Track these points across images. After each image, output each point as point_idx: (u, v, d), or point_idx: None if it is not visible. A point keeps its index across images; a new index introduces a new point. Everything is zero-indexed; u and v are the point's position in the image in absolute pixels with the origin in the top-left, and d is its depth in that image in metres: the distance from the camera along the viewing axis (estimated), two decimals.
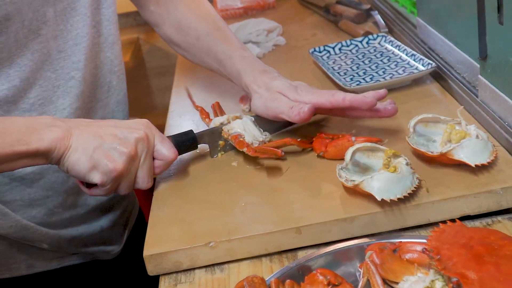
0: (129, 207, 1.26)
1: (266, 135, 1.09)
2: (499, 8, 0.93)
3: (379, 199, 0.85)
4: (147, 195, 1.11)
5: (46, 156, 0.87)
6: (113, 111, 1.15)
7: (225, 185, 1.01)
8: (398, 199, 0.86)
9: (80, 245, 1.12)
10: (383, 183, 0.86)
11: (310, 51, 1.41)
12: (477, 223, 0.88)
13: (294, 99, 1.02)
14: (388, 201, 0.85)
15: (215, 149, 1.09)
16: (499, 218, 0.88)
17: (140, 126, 0.93)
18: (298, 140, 1.02)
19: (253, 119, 1.09)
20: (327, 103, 1.02)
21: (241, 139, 1.04)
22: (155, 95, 2.43)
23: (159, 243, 0.90)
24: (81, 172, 0.88)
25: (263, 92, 1.06)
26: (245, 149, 1.01)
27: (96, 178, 0.89)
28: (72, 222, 1.10)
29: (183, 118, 1.30)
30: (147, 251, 0.89)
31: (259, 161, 1.05)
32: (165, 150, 0.95)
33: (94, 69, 1.09)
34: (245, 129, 1.07)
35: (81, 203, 1.11)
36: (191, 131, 1.04)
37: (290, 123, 1.11)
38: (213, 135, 1.08)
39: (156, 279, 0.90)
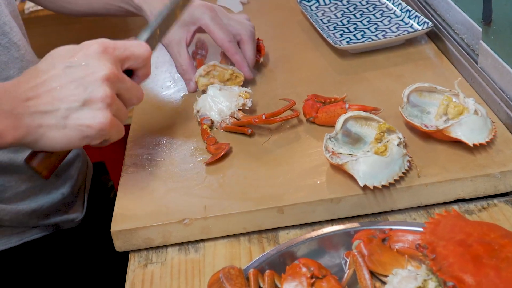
0: (82, 168, 1.15)
1: (231, 68, 1.04)
2: None
3: (361, 185, 0.79)
4: (114, 158, 1.02)
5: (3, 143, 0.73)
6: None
7: (202, 153, 0.94)
8: (383, 185, 0.79)
9: (42, 217, 1.03)
10: (368, 166, 0.79)
11: (298, 0, 1.31)
12: (471, 205, 0.82)
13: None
14: (371, 188, 0.79)
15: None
16: (495, 201, 0.82)
17: (94, 59, 0.75)
18: (264, 118, 0.93)
19: (219, 87, 1.00)
20: (219, 42, 1.04)
21: (205, 126, 0.97)
22: (132, 34, 2.32)
23: (129, 218, 0.83)
24: (72, 146, 0.75)
25: None
26: (205, 142, 0.95)
27: (94, 141, 0.75)
28: (29, 194, 1.01)
29: (159, 70, 1.21)
30: (115, 226, 0.82)
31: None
32: (136, 53, 0.79)
33: None
34: (212, 105, 0.98)
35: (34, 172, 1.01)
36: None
37: None
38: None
39: None
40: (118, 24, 2.22)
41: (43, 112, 0.73)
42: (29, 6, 2.17)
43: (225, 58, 1.09)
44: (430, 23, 1.12)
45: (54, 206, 1.04)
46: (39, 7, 2.11)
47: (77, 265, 1.12)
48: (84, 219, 1.11)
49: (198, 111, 1.00)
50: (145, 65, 0.81)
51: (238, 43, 1.07)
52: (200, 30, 1.07)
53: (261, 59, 1.12)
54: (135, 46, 0.80)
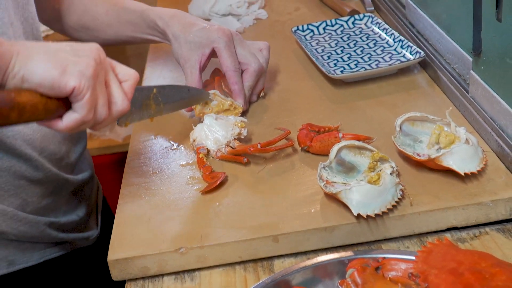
0: (94, 188, 1.21)
1: (230, 99, 1.07)
2: (498, 4, 0.86)
3: (355, 213, 0.80)
4: (113, 185, 1.05)
5: None
6: None
7: (198, 182, 0.95)
8: (376, 214, 0.80)
9: (60, 230, 1.06)
10: (362, 195, 0.81)
11: (293, 29, 1.33)
12: (464, 234, 0.83)
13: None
14: (365, 216, 0.80)
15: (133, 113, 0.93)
16: (487, 229, 0.84)
17: (90, 46, 0.80)
18: (259, 147, 0.95)
19: (215, 116, 1.02)
20: (224, 69, 1.08)
21: (201, 155, 0.98)
22: (130, 61, 2.34)
23: (125, 247, 0.84)
24: (50, 76, 0.72)
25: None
26: (201, 170, 0.96)
27: (71, 80, 0.73)
28: (48, 210, 1.05)
29: None
30: (112, 255, 0.83)
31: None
32: (127, 68, 0.83)
33: None
34: (208, 134, 1.00)
35: (57, 189, 1.05)
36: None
37: None
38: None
39: None
40: (118, 50, 2.24)
41: (35, 45, 0.75)
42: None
43: (218, 83, 1.11)
44: (422, 52, 1.14)
45: (70, 224, 1.08)
46: (51, 32, 2.15)
47: (94, 283, 1.14)
48: (99, 237, 1.15)
49: (194, 140, 1.01)
50: (133, 84, 0.83)
51: (244, 72, 1.10)
52: (215, 53, 1.10)
53: (262, 93, 1.14)
54: (126, 67, 0.83)
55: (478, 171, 0.85)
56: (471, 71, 0.98)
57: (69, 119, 0.76)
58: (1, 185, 0.97)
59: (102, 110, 0.78)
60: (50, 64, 0.73)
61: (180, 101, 1.00)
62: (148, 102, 0.92)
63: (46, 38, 2.14)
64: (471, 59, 0.99)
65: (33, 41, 0.77)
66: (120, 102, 0.80)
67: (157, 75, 1.32)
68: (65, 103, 0.76)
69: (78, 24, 1.21)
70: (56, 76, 0.73)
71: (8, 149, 0.96)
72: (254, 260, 0.84)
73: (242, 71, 1.10)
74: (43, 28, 2.19)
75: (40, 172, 1.00)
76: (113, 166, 2.25)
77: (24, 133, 0.97)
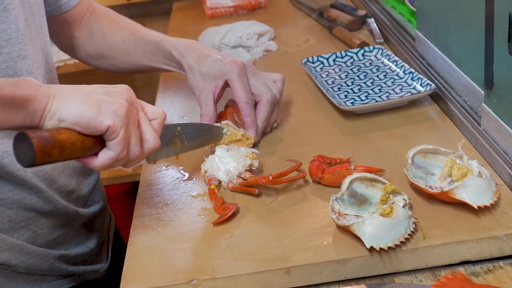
0: (106, 220, 1.21)
1: (243, 130, 1.07)
2: (510, 37, 0.87)
3: (368, 246, 0.80)
4: (123, 214, 1.05)
5: (24, 107, 0.75)
6: None
7: (210, 213, 0.95)
8: (389, 247, 0.80)
9: (70, 263, 1.07)
10: (374, 228, 0.80)
11: (303, 61, 1.34)
12: (477, 268, 0.83)
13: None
14: (378, 249, 0.80)
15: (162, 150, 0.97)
16: (501, 263, 0.83)
17: (121, 88, 0.84)
18: (271, 178, 0.95)
19: (226, 148, 1.03)
20: (237, 100, 1.08)
21: (213, 187, 0.98)
22: (139, 91, 2.35)
23: (138, 278, 0.84)
24: (86, 116, 0.77)
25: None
26: (213, 202, 0.96)
27: (106, 119, 0.77)
28: (59, 242, 1.05)
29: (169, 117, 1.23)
30: (124, 286, 0.83)
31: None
32: (155, 108, 0.88)
33: None
34: (219, 165, 1.00)
35: (67, 222, 1.06)
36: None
37: None
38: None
39: None
40: (127, 81, 2.25)
41: (69, 88, 0.80)
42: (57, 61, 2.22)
43: (231, 114, 1.11)
44: (433, 85, 1.14)
45: (81, 256, 1.09)
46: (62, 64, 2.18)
47: None
48: (108, 270, 1.15)
49: (205, 171, 1.01)
50: (161, 123, 0.87)
51: (258, 104, 1.10)
52: (228, 84, 1.11)
53: (275, 124, 1.15)
54: (154, 107, 0.88)
55: (491, 204, 0.84)
56: (483, 104, 0.99)
57: (104, 156, 0.80)
58: (11, 217, 0.98)
59: (135, 148, 0.82)
60: (86, 104, 0.77)
61: (202, 137, 1.03)
62: (173, 140, 0.96)
63: (57, 69, 2.17)
64: (483, 92, 1.00)
65: (67, 85, 0.81)
66: (152, 140, 0.84)
67: (168, 105, 1.32)
68: (100, 142, 0.80)
69: (96, 53, 1.24)
70: (92, 115, 0.77)
71: (19, 182, 0.97)
72: None
73: (256, 102, 1.10)
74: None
75: (50, 204, 1.01)
76: (123, 196, 2.25)
77: None
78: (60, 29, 1.20)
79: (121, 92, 0.82)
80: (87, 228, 1.11)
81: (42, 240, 1.02)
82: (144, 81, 2.39)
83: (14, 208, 0.98)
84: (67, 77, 2.17)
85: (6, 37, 0.96)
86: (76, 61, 2.18)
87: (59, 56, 2.18)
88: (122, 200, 2.20)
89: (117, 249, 1.23)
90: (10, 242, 0.97)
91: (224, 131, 1.06)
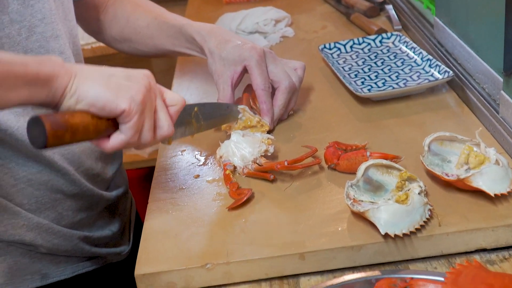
0: (128, 204, 1.22)
1: (258, 116, 1.07)
2: None
3: (382, 233, 0.80)
4: (141, 199, 1.06)
5: (47, 84, 0.76)
6: None
7: (225, 198, 0.95)
8: (404, 234, 0.80)
9: (93, 244, 1.08)
10: (390, 215, 0.80)
11: (320, 47, 1.33)
12: (493, 256, 0.82)
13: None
14: (393, 236, 0.80)
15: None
16: None
17: (142, 73, 0.85)
18: (286, 164, 0.95)
19: (242, 133, 1.03)
20: (254, 86, 1.08)
21: (228, 172, 0.98)
22: (157, 76, 2.36)
23: (152, 261, 0.85)
24: (103, 98, 0.78)
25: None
26: (228, 187, 0.96)
27: (122, 103, 0.78)
28: (82, 225, 1.06)
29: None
30: (139, 270, 0.84)
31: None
32: (175, 94, 0.88)
33: None
34: (234, 150, 1.00)
35: (91, 204, 1.07)
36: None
37: None
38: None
39: None
40: (144, 67, 2.26)
41: (91, 68, 0.80)
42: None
43: (247, 100, 1.11)
44: (451, 72, 1.13)
45: (103, 239, 1.10)
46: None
47: None
48: (130, 252, 1.16)
49: (221, 157, 1.02)
50: (178, 109, 0.88)
51: (276, 90, 1.10)
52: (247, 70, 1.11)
53: (291, 111, 1.15)
54: (173, 93, 0.88)
55: (508, 192, 0.84)
56: (502, 92, 0.98)
57: (116, 139, 0.81)
58: (38, 198, 1.00)
59: (148, 134, 0.83)
60: (105, 86, 0.78)
61: (218, 117, 1.03)
62: (189, 120, 0.97)
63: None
64: (501, 80, 0.98)
65: (89, 65, 0.82)
66: (166, 127, 0.85)
67: (185, 91, 1.33)
68: (113, 124, 0.81)
69: (121, 36, 1.24)
70: (109, 97, 0.78)
71: (47, 163, 0.99)
72: (280, 278, 0.84)
73: (274, 89, 1.10)
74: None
75: (76, 187, 1.02)
76: (143, 181, 2.26)
77: (63, 148, 0.99)
78: (86, 13, 1.21)
79: (141, 77, 0.82)
80: (110, 211, 1.12)
81: (67, 221, 1.03)
82: (162, 65, 2.38)
83: (42, 190, 1.00)
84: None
85: (40, 16, 0.97)
86: (94, 46, 2.19)
87: None
88: (142, 184, 2.21)
89: (139, 233, 1.25)
90: (37, 221, 0.99)
91: (240, 115, 1.06)
